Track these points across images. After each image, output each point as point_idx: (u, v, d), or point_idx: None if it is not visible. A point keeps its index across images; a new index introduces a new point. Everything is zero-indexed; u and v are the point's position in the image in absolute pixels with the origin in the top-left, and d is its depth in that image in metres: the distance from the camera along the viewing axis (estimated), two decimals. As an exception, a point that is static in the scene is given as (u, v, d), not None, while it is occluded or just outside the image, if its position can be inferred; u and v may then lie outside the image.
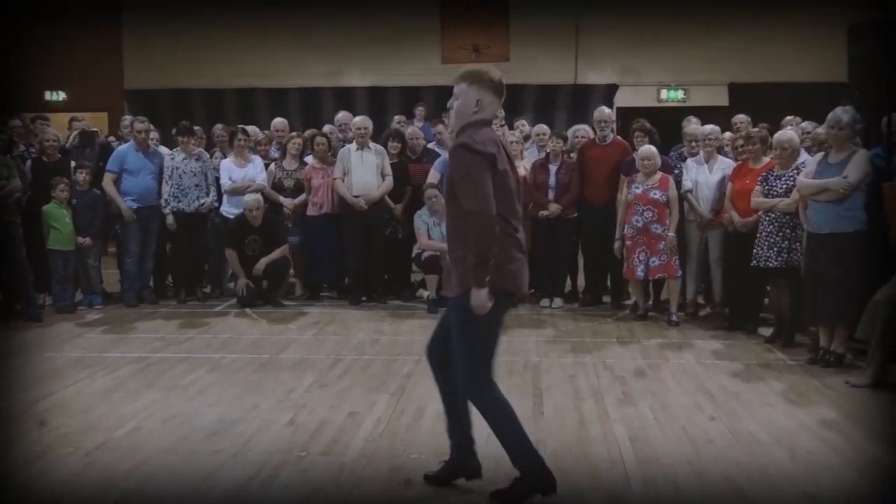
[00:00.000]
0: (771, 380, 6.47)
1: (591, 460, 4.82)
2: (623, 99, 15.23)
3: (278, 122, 11.07)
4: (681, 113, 12.89)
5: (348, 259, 9.49)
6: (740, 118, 9.45)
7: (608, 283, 9.54)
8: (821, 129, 7.39)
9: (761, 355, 7.22)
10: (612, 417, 5.57)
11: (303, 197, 9.72)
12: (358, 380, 6.52)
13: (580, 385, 6.35)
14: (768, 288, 8.11)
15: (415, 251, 9.41)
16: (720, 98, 15.00)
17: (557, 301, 9.27)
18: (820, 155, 6.93)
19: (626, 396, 6.05)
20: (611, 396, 6.04)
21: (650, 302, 8.89)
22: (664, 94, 15.24)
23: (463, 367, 4.15)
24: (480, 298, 3.97)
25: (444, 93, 15.06)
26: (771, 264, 7.37)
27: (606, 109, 9.34)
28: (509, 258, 4.11)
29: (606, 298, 9.47)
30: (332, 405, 5.87)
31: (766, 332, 7.85)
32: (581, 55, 15.24)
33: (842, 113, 6.72)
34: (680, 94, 15.23)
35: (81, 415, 5.65)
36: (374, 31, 15.14)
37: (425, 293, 9.49)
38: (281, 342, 7.76)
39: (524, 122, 11.09)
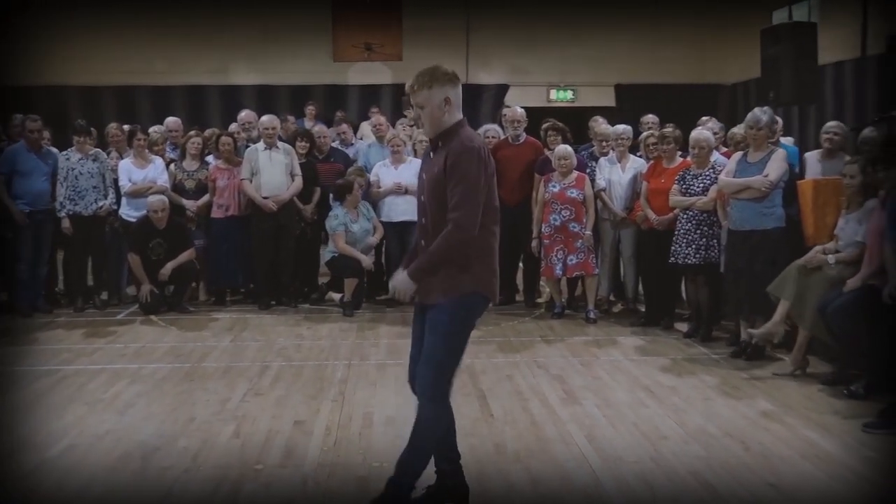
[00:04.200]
0: (702, 374, 6.62)
1: (557, 461, 4.81)
2: (513, 99, 15.31)
3: (172, 121, 10.68)
4: (570, 113, 13.16)
5: (258, 262, 9.20)
6: (649, 118, 9.65)
7: (517, 282, 9.61)
8: (737, 130, 7.63)
9: (684, 350, 7.39)
10: (562, 417, 5.57)
11: (206, 198, 9.37)
12: (293, 387, 6.32)
13: (520, 385, 6.34)
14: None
15: (328, 255, 9.20)
16: (607, 98, 15.38)
17: (472, 301, 9.24)
18: (739, 154, 7.14)
19: (568, 395, 6.07)
20: (554, 396, 6.05)
21: (565, 300, 8.97)
22: (554, 94, 15.47)
23: (428, 373, 3.99)
24: (409, 287, 3.98)
25: (336, 91, 15.19)
26: (690, 261, 7.55)
27: (519, 109, 9.36)
28: (489, 264, 4.04)
29: (518, 297, 9.52)
30: (273, 414, 5.66)
31: (681, 326, 8.06)
32: (472, 55, 15.30)
33: (760, 114, 6.94)
34: (569, 94, 15.50)
35: (4, 434, 5.26)
36: (263, 27, 14.77)
37: (336, 296, 9.31)
38: (200, 350, 7.45)
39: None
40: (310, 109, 13.63)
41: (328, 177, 9.62)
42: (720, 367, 6.83)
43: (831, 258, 6.36)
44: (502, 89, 15.43)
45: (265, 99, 14.87)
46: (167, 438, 5.20)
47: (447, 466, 4.22)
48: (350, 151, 10.35)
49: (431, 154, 4.10)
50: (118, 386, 6.33)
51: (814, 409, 5.74)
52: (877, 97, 11.12)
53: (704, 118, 9.26)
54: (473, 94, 15.41)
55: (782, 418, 5.53)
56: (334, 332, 8.15)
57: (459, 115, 4.05)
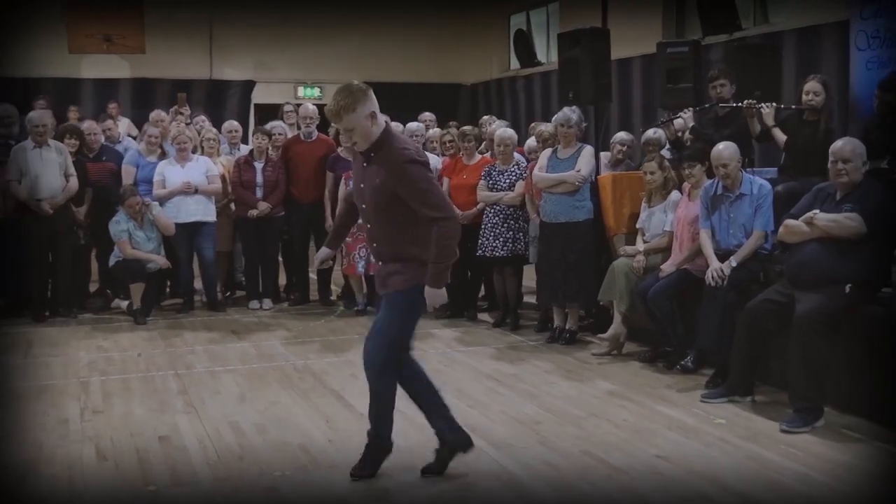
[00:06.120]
0: (532, 360, 6.94)
1: (451, 452, 4.87)
2: (260, 95, 15.15)
3: None
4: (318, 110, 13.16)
5: (34, 270, 8.39)
6: (426, 115, 9.91)
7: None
8: (544, 127, 8.05)
9: (502, 339, 7.70)
10: (430, 410, 5.64)
11: (-37, 203, 8.43)
12: (131, 402, 5.89)
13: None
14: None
15: (112, 260, 8.59)
16: (354, 96, 15.50)
17: (268, 302, 9.06)
18: (549, 150, 7.56)
19: (422, 389, 6.13)
20: (409, 390, 6.09)
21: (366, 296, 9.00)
22: (301, 91, 15.38)
23: (381, 349, 4.36)
24: (440, 297, 4.27)
25: (69, 84, 14.12)
26: (498, 254, 7.89)
27: (311, 106, 9.25)
28: None
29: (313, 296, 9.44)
30: (130, 432, 5.26)
31: (484, 317, 8.40)
32: (216, 50, 14.87)
33: (570, 112, 7.39)
34: (316, 91, 15.48)
35: None
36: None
37: (123, 304, 8.72)
38: (-6, 370, 6.73)
39: (204, 117, 10.61)
40: (40, 104, 12.57)
41: (100, 176, 9.00)
42: (544, 352, 7.20)
43: (639, 257, 6.89)
44: (248, 85, 15.15)
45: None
46: (26, 467, 4.68)
47: (443, 424, 4.53)
48: (120, 148, 9.70)
49: (364, 164, 4.26)
50: (-79, 416, 5.59)
51: (648, 385, 6.23)
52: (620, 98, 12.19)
53: (486, 117, 9.69)
54: (219, 90, 15.06)
55: (628, 396, 5.96)
56: (137, 341, 7.65)
57: (383, 123, 4.26)
